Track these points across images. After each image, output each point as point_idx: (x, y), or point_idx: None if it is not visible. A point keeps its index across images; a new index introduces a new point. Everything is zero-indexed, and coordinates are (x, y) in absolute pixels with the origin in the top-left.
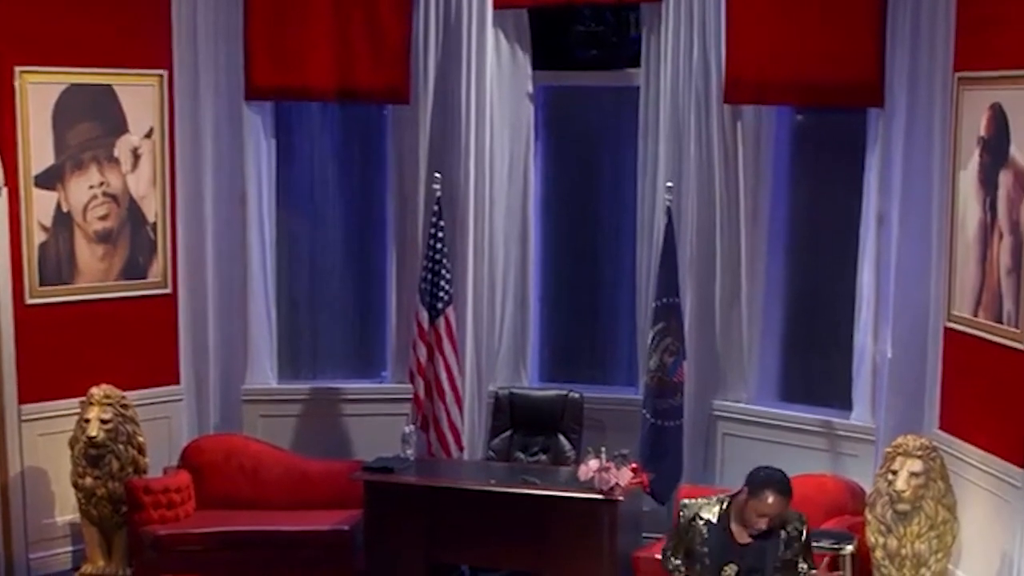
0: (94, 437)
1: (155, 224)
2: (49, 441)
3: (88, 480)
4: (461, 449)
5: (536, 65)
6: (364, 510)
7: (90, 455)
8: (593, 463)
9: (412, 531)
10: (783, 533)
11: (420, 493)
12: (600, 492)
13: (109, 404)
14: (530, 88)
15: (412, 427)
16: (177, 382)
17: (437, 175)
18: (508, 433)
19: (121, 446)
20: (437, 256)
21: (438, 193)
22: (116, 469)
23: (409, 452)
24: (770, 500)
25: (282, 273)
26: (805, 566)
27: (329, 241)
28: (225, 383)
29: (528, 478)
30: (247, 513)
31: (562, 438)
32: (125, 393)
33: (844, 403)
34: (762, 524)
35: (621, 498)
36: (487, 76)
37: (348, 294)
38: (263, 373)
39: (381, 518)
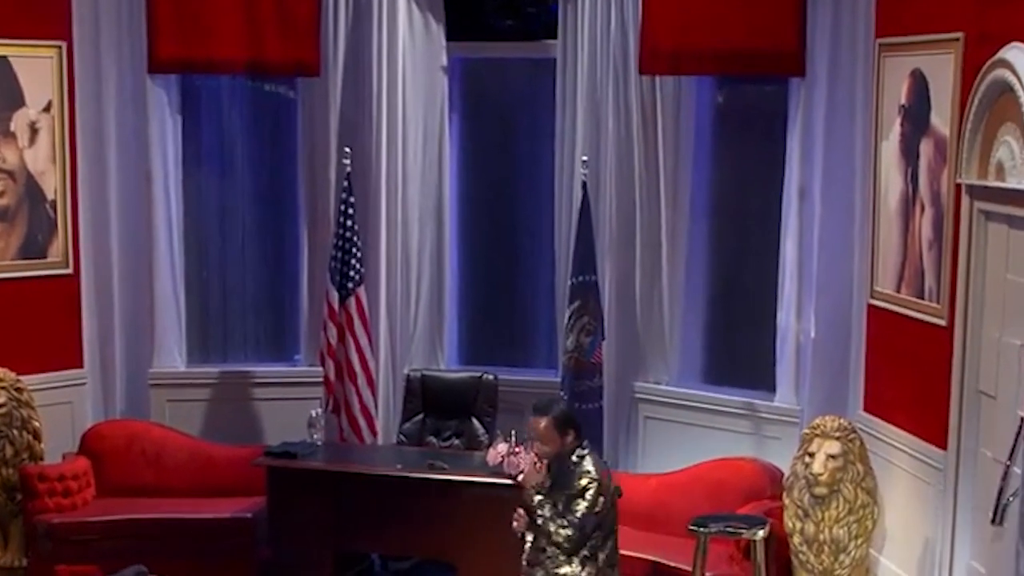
0: None
1: (55, 202)
2: None
3: None
4: (375, 434)
5: (450, 36)
6: (267, 497)
7: None
8: (501, 447)
9: (317, 518)
10: (571, 482)
11: (324, 479)
12: (508, 477)
13: (2, 388)
14: (444, 60)
15: (319, 411)
16: (80, 365)
17: (347, 150)
18: (420, 417)
19: (15, 431)
20: (347, 234)
21: (348, 169)
22: (10, 455)
23: (316, 437)
24: (531, 420)
25: (190, 253)
26: (548, 515)
27: (239, 220)
28: (131, 367)
29: (437, 463)
30: (149, 501)
31: (475, 422)
32: (22, 377)
33: (768, 384)
34: (536, 448)
35: None
36: (399, 47)
37: (259, 274)
38: (171, 356)
39: (285, 505)
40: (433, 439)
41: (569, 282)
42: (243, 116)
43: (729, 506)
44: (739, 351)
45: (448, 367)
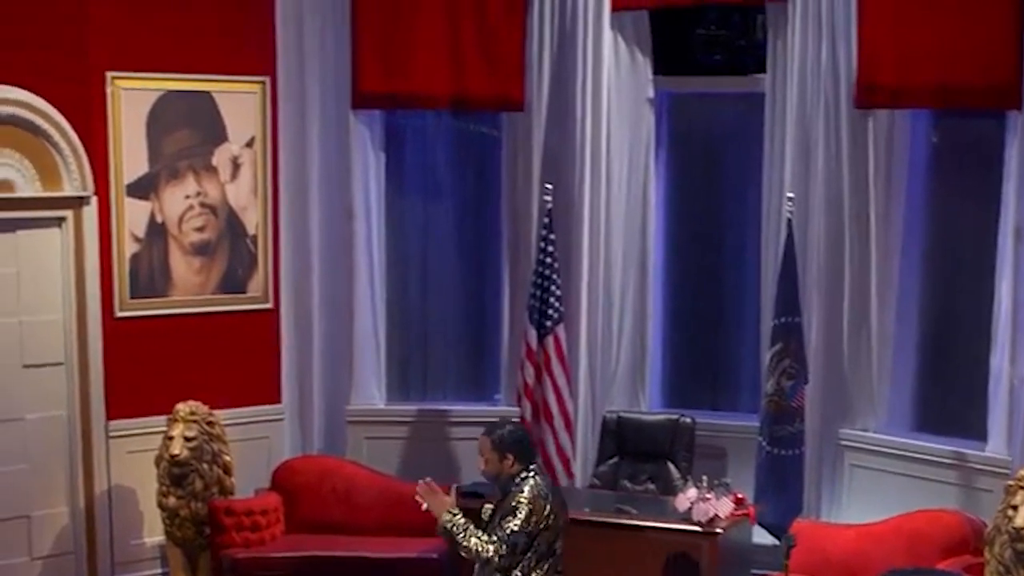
0: (177, 455)
1: (255, 237)
2: (138, 459)
3: (172, 500)
4: (571, 477)
5: (657, 70)
6: None
7: (173, 474)
8: (691, 492)
9: None
10: (508, 503)
11: None
12: (698, 523)
13: (194, 421)
14: (651, 93)
15: None
16: (278, 401)
17: (548, 186)
18: (615, 459)
19: (205, 465)
20: (546, 271)
21: (549, 205)
22: (200, 489)
23: None
24: (480, 438)
25: (391, 289)
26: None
27: (441, 256)
28: (329, 403)
29: (624, 507)
30: (337, 538)
31: (671, 466)
32: (219, 411)
33: (979, 433)
34: (479, 465)
35: (720, 530)
36: (604, 81)
37: (460, 311)
38: (369, 393)
39: None
40: (627, 483)
41: (772, 323)
42: (446, 152)
43: (928, 560)
44: (950, 397)
45: (650, 409)
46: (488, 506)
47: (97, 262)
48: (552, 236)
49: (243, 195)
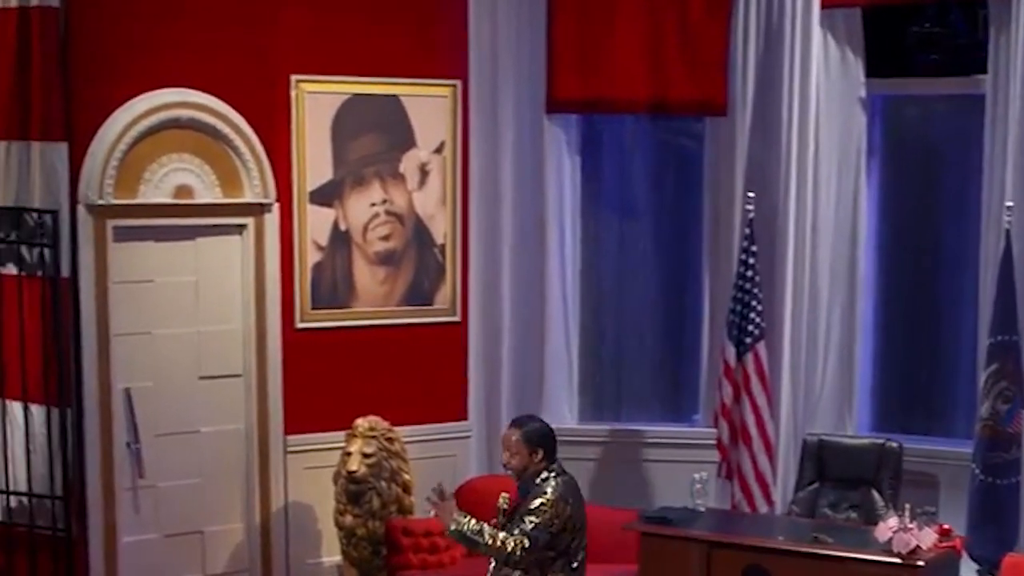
0: (354, 472)
1: (443, 246)
2: (316, 475)
3: (348, 518)
4: (770, 503)
5: (869, 71)
6: (639, 565)
7: (351, 491)
8: (892, 521)
9: None
10: (529, 501)
11: (697, 548)
12: (898, 555)
13: (373, 437)
14: (862, 95)
15: (702, 475)
16: (465, 418)
17: (750, 195)
18: (815, 485)
19: (384, 483)
20: (747, 285)
21: (751, 215)
22: (378, 507)
23: (699, 502)
24: (506, 431)
25: (585, 302)
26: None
27: (637, 267)
28: None
29: (820, 536)
30: None
31: (875, 494)
32: (403, 427)
33: None
34: (504, 459)
35: (921, 563)
36: (813, 83)
37: (657, 327)
38: (560, 411)
39: (655, 574)
40: (828, 511)
41: (987, 342)
42: (644, 159)
43: None
44: None
45: (857, 432)
46: (504, 494)
47: (278, 271)
48: (754, 248)
49: (431, 203)
